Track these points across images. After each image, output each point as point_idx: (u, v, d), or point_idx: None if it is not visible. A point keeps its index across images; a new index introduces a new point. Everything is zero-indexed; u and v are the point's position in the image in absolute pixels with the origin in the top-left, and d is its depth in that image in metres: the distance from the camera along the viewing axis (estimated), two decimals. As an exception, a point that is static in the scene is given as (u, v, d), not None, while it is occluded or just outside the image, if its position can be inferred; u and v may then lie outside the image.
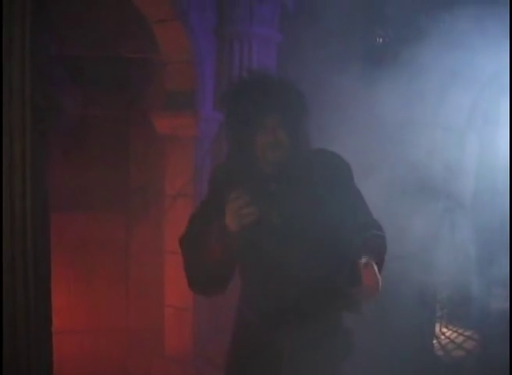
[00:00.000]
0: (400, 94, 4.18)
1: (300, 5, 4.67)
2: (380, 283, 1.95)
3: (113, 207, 4.98)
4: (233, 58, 4.48)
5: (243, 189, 1.99)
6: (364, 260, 1.93)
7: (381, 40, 4.95)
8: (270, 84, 2.15)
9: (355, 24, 4.76)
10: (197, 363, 4.56)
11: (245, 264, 2.24)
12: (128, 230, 5.03)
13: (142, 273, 4.95)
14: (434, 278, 4.90)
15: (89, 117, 4.83)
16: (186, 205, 4.47)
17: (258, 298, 2.24)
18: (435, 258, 4.71)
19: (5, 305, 2.35)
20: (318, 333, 2.19)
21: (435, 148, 4.67)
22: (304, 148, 2.19)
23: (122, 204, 5.01)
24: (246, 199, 1.97)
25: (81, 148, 4.84)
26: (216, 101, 4.50)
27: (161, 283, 4.72)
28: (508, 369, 4.28)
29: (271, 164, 2.15)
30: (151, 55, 4.76)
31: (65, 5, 4.11)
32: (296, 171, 2.16)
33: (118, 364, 4.89)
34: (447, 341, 5.67)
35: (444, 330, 5.84)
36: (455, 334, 5.78)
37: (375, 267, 1.94)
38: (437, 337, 5.61)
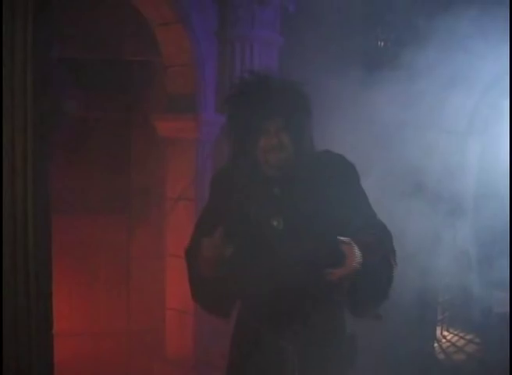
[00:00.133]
0: (400, 97, 4.18)
1: (301, 7, 4.67)
2: (359, 261, 1.95)
3: (114, 210, 4.99)
4: (235, 61, 4.47)
5: (245, 193, 1.98)
6: (344, 239, 1.95)
7: (382, 43, 4.96)
8: (272, 86, 2.10)
9: (356, 27, 4.77)
10: (198, 367, 4.56)
11: (245, 268, 2.23)
12: (129, 232, 5.03)
13: (143, 275, 4.95)
14: (435, 281, 4.90)
15: (90, 120, 4.85)
16: (188, 208, 4.47)
17: (259, 302, 2.22)
18: (436, 261, 4.71)
19: (7, 307, 2.35)
20: (322, 335, 2.17)
21: (436, 151, 4.67)
22: (308, 151, 2.14)
23: (124, 207, 5.02)
24: (224, 238, 1.98)
25: (82, 150, 4.85)
26: (218, 104, 4.50)
27: (163, 286, 4.71)
28: (508, 373, 4.28)
29: (273, 167, 2.10)
30: (153, 58, 4.77)
31: (67, 8, 4.12)
32: (300, 174, 2.12)
33: (119, 367, 4.88)
34: (448, 344, 5.67)
35: (445, 333, 5.84)
36: (456, 338, 5.79)
37: (355, 247, 1.95)
38: (438, 341, 5.61)
